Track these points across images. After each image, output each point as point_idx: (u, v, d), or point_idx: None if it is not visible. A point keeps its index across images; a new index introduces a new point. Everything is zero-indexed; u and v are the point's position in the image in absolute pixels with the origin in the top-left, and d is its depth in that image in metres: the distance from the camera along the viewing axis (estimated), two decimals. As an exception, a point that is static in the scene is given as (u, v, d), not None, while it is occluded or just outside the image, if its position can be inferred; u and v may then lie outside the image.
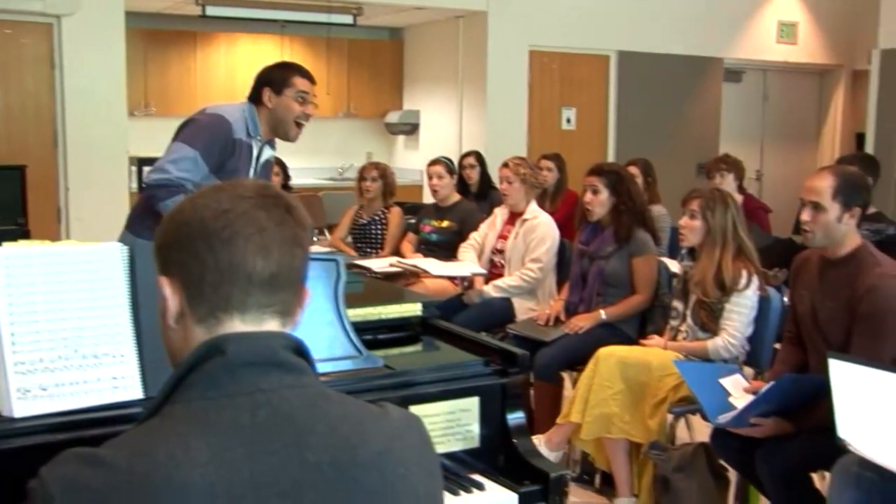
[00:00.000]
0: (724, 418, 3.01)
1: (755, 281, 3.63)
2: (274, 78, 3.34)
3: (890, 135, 7.85)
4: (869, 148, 7.92)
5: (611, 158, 8.53)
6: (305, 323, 2.15)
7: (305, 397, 1.17)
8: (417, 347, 2.48)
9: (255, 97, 3.35)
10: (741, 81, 9.81)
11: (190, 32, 8.89)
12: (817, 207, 3.01)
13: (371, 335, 2.41)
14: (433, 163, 5.78)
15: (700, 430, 3.73)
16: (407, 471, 1.17)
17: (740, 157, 6.48)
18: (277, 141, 3.53)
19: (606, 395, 3.65)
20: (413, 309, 2.51)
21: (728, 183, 5.85)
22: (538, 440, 3.77)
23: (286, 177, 6.41)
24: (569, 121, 8.85)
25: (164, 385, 1.17)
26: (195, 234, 1.17)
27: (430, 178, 5.76)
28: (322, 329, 2.16)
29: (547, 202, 6.65)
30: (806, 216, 3.05)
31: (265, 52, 8.77)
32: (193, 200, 1.21)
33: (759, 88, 10.01)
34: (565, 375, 4.21)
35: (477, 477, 2.14)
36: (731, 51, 9.37)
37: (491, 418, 2.19)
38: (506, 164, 5.07)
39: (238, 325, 1.18)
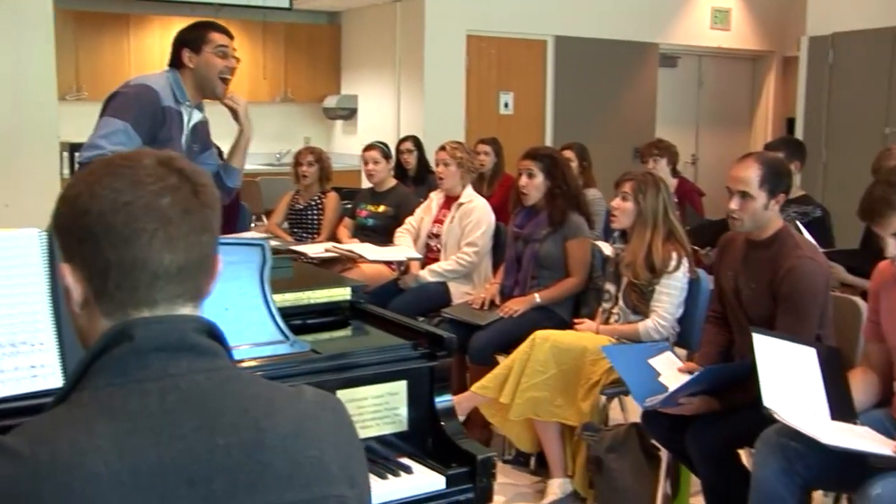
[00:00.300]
0: (651, 401, 3.05)
1: (685, 263, 3.69)
2: (190, 37, 3.28)
3: (818, 120, 8.01)
4: (798, 132, 8.08)
5: (548, 143, 8.56)
6: (231, 308, 2.14)
7: (216, 380, 1.14)
8: (346, 332, 2.47)
9: (175, 61, 3.29)
10: (676, 67, 9.92)
11: (123, 15, 8.72)
12: (745, 196, 3.07)
13: (300, 320, 2.40)
14: (368, 148, 5.76)
15: (633, 411, 3.78)
16: (320, 452, 1.16)
17: (676, 141, 6.57)
18: (214, 127, 3.48)
19: (539, 380, 3.67)
20: (342, 293, 2.50)
21: (662, 167, 5.93)
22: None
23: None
24: (506, 105, 8.88)
25: (72, 371, 1.14)
26: (95, 228, 1.12)
27: (365, 163, 5.73)
28: (248, 314, 2.14)
29: (484, 186, 6.67)
30: (734, 205, 3.10)
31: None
32: (91, 186, 1.14)
33: (694, 74, 10.14)
34: (500, 358, 4.23)
35: (405, 460, 2.15)
36: (666, 36, 9.47)
37: (419, 402, 2.19)
38: (443, 148, 5.08)
39: (146, 316, 1.15)
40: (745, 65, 10.43)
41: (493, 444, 4.35)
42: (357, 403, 2.13)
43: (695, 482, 3.40)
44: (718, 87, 10.24)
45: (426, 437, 2.20)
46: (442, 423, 2.18)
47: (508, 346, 4.05)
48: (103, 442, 1.04)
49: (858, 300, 3.29)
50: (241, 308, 2.13)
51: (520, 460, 4.19)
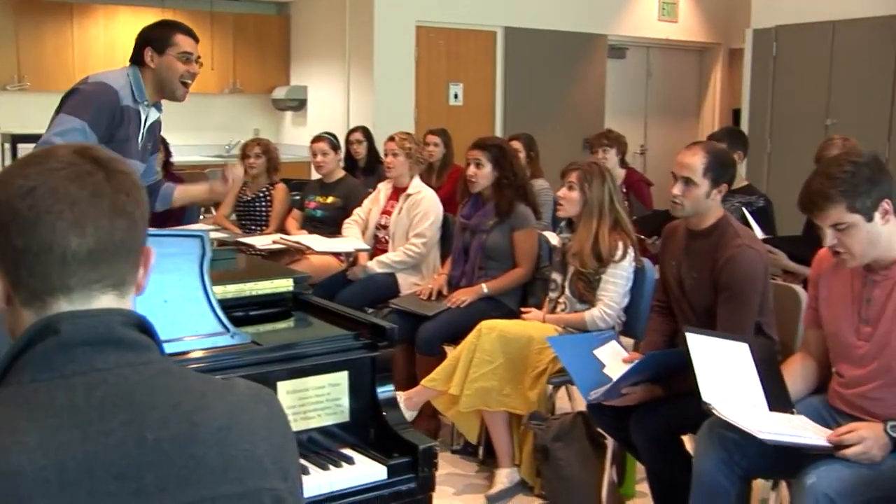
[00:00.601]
0: (595, 394, 3.08)
1: (631, 252, 3.72)
2: (155, 37, 3.23)
3: (762, 111, 8.13)
4: (744, 123, 8.20)
5: (498, 133, 8.58)
6: (170, 300, 2.12)
7: (146, 374, 1.12)
8: (289, 323, 2.46)
9: (136, 58, 3.24)
10: (625, 58, 9.99)
11: (66, 4, 8.55)
12: (689, 183, 3.11)
13: (242, 312, 2.39)
14: (316, 139, 5.73)
15: (579, 400, 3.78)
16: (252, 445, 1.15)
17: (625, 132, 6.62)
18: (162, 117, 3.44)
19: (487, 370, 3.68)
20: (285, 285, 2.49)
21: (611, 157, 5.97)
22: (398, 396, 3.81)
23: (168, 153, 6.24)
24: (456, 96, 8.87)
25: (-5, 367, 1.12)
26: (4, 217, 1.10)
27: (313, 154, 5.70)
28: (187, 306, 2.12)
29: (433, 177, 6.68)
30: (677, 190, 3.15)
31: (146, 24, 8.49)
32: (3, 177, 1.13)
33: (642, 65, 10.22)
34: (449, 349, 4.24)
35: (347, 451, 2.15)
36: (614, 28, 9.53)
37: (361, 392, 2.19)
38: (391, 139, 5.07)
39: (64, 305, 1.12)
40: (693, 56, 10.54)
41: (441, 434, 4.37)
42: (299, 394, 2.12)
43: (641, 469, 3.44)
44: (666, 78, 10.34)
45: (368, 428, 2.20)
46: (384, 414, 2.18)
47: (456, 337, 4.06)
48: (27, 438, 1.02)
49: (798, 288, 3.35)
50: (180, 300, 2.11)
51: (468, 450, 4.20)
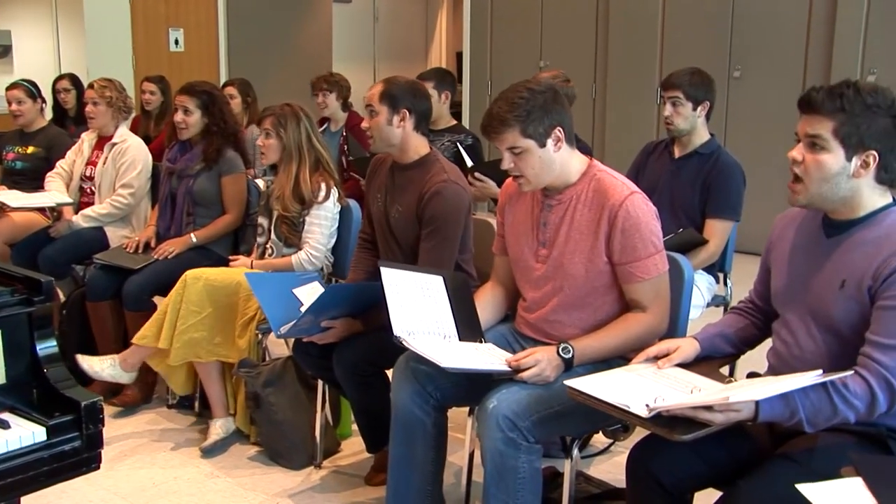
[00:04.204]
0: (284, 329, 3.06)
1: (334, 193, 3.71)
2: None
3: (482, 54, 8.37)
4: (466, 65, 8.41)
5: (223, 80, 8.32)
6: None
7: None
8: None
9: None
10: (351, 2, 9.95)
11: None
12: (372, 112, 3.17)
13: None
14: (11, 87, 5.30)
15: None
16: None
17: (354, 76, 6.58)
18: None
19: (195, 321, 3.58)
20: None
21: (331, 101, 5.93)
22: (112, 360, 3.66)
23: None
24: (177, 42, 8.50)
25: None
26: None
27: (9, 103, 5.27)
28: None
29: (151, 126, 6.40)
30: (365, 123, 3.25)
31: None
32: None
33: (368, 10, 10.22)
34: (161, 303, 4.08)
35: (5, 415, 2.00)
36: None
37: (19, 351, 2.04)
38: (90, 86, 4.77)
39: None
40: (419, 1, 10.66)
41: (157, 389, 4.23)
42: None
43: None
44: (394, 22, 10.40)
45: (30, 388, 2.06)
46: (45, 371, 2.05)
47: (166, 289, 3.90)
48: None
49: (493, 220, 3.46)
50: None
51: (184, 404, 4.09)
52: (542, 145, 2.54)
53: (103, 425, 2.01)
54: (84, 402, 1.97)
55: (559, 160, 2.58)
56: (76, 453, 1.98)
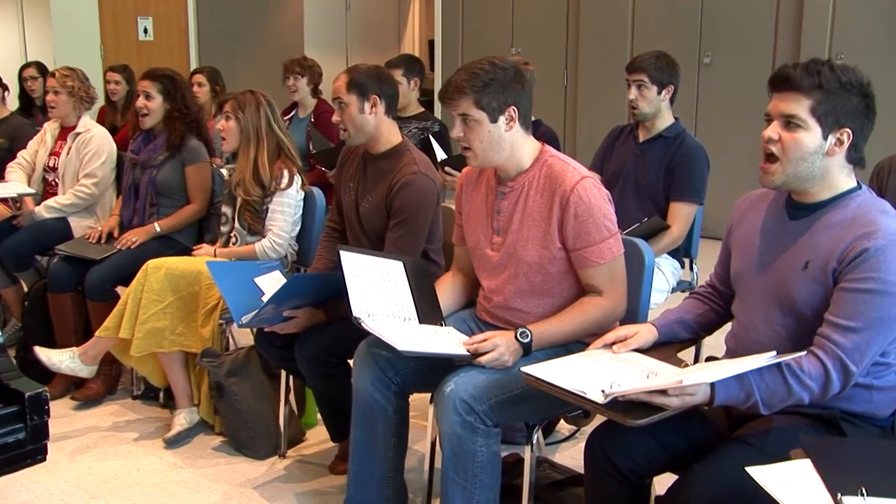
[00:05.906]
0: (246, 318, 3.03)
1: (297, 180, 3.67)
2: None
3: (454, 42, 8.34)
4: (438, 53, 8.37)
5: (193, 68, 8.25)
6: None
7: None
8: None
9: None
10: (322, -11, 9.88)
11: None
12: (342, 105, 3.12)
13: None
14: (-28, 76, 5.23)
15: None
16: None
17: (326, 65, 6.50)
18: None
19: (157, 310, 3.54)
20: None
21: (301, 86, 5.86)
22: (71, 353, 3.61)
23: None
24: (146, 31, 8.41)
25: None
26: None
27: (-29, 92, 5.21)
28: None
29: (118, 116, 6.33)
30: (336, 117, 3.18)
31: None
32: None
33: (341, -2, 10.16)
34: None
35: (-55, 409, 1.96)
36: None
37: (-38, 342, 2.01)
38: (52, 75, 4.70)
39: None
40: (392, -12, 10.62)
41: (122, 380, 4.19)
42: None
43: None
44: (366, 10, 10.33)
45: (-24, 380, 2.02)
46: (-11, 362, 2.01)
47: (129, 280, 3.86)
48: None
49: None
50: None
51: (149, 395, 4.06)
52: (494, 120, 2.52)
53: (49, 416, 1.97)
54: (28, 393, 1.93)
55: (509, 140, 2.55)
56: (20, 445, 1.94)
